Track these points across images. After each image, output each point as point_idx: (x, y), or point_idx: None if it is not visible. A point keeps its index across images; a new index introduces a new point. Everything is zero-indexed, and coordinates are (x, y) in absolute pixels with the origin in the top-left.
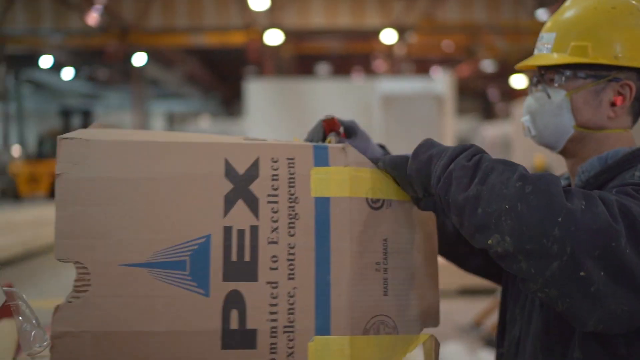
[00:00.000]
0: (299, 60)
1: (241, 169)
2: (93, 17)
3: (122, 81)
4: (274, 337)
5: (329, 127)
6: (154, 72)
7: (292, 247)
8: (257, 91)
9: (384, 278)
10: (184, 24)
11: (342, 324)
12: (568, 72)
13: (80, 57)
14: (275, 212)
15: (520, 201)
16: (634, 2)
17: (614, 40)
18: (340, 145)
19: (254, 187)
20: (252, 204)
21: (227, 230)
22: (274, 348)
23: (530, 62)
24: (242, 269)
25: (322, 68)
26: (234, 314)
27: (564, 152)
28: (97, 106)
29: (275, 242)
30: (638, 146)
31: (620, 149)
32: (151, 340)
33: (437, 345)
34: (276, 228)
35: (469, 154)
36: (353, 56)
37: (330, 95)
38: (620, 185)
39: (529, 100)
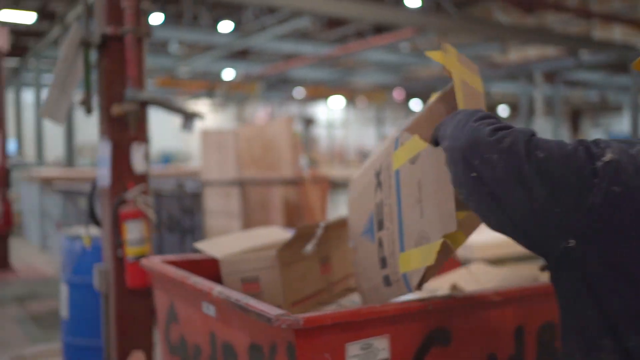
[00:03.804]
0: None
1: (380, 170)
2: None
3: None
4: (390, 257)
5: None
6: None
7: (390, 207)
8: None
9: (420, 207)
10: None
11: (406, 244)
12: None
13: None
14: (386, 189)
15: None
16: None
17: None
18: (398, 133)
19: (381, 177)
20: (380, 187)
21: (376, 205)
22: (391, 262)
23: None
24: (380, 224)
25: None
26: (380, 250)
27: None
28: None
29: (386, 204)
30: None
31: None
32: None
33: (447, 246)
34: (385, 198)
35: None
36: None
37: None
38: None
39: None
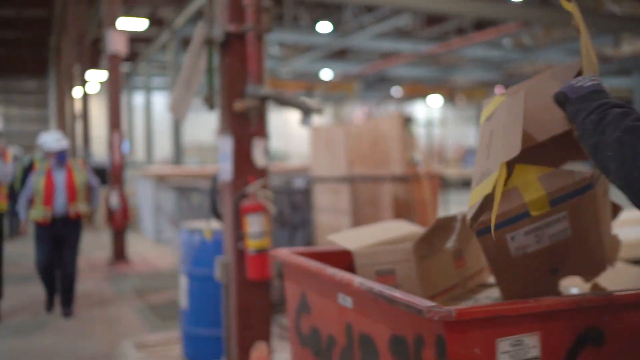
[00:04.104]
0: None
1: None
2: None
3: None
4: None
5: None
6: None
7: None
8: None
9: (488, 151)
10: None
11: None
12: None
13: None
14: None
15: None
16: None
17: None
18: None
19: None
20: None
21: None
22: None
23: None
24: None
25: None
26: None
27: None
28: None
29: None
30: None
31: None
32: None
33: (507, 171)
34: None
35: None
36: None
37: None
38: None
39: None
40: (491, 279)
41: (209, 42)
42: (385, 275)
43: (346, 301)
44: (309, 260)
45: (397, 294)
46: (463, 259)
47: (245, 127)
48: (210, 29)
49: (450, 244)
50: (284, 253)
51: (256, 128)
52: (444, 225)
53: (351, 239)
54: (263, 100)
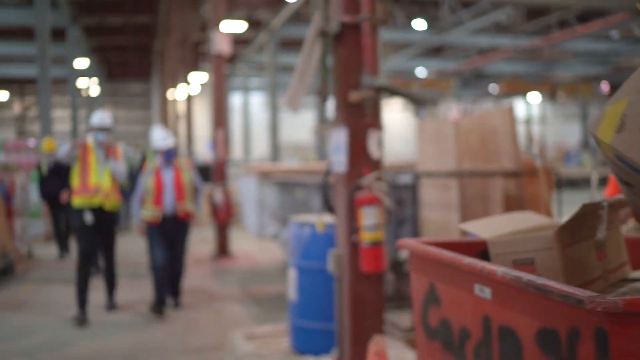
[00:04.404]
0: None
1: None
2: None
3: None
4: None
5: None
6: None
7: None
8: None
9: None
10: None
11: None
12: None
13: None
14: None
15: None
16: None
17: None
18: None
19: None
20: None
21: None
22: None
23: None
24: None
25: None
26: None
27: None
28: None
29: None
30: None
31: None
32: None
33: None
34: None
35: None
36: None
37: None
38: None
39: None
40: (634, 274)
41: (323, 34)
42: (523, 265)
43: (484, 292)
44: (442, 250)
45: (551, 283)
46: (604, 250)
47: (360, 118)
48: (324, 21)
49: (600, 233)
50: (412, 243)
51: (371, 119)
52: (589, 213)
53: (484, 228)
54: (378, 91)
